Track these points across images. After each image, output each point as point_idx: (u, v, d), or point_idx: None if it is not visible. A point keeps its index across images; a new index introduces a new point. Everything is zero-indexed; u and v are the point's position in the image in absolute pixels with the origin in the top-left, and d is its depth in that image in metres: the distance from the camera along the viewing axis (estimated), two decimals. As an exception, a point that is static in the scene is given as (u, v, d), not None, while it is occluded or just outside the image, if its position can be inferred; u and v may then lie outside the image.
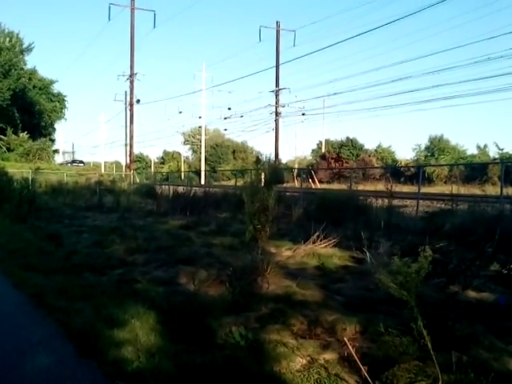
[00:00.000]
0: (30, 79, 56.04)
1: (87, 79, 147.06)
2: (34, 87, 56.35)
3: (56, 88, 59.95)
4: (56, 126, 63.02)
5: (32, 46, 56.84)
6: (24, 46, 55.88)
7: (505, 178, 16.31)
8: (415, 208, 14.91)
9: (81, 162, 73.96)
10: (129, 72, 40.93)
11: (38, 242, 9.77)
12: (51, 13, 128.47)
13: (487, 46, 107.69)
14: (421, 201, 16.01)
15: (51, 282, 6.26)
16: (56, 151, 65.61)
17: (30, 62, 59.38)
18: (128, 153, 44.61)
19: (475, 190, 19.66)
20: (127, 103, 44.31)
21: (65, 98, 60.88)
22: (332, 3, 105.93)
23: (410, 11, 56.29)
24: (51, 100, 58.62)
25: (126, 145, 48.24)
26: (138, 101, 41.89)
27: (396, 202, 15.24)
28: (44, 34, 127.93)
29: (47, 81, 58.82)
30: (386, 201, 12.91)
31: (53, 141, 61.99)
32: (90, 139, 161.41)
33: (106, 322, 4.59)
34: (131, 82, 40.89)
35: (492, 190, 20.23)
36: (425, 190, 22.66)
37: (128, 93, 43.42)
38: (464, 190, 18.16)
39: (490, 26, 79.57)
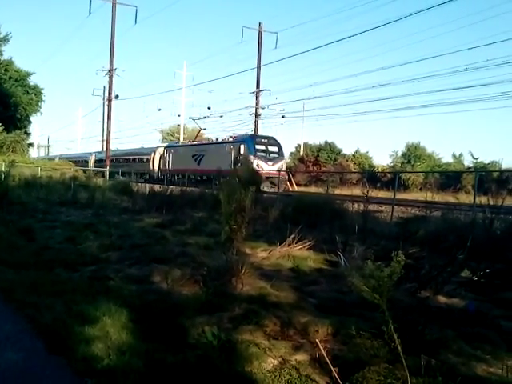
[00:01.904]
0: (6, 70, 54.88)
1: (65, 73, 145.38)
2: (10, 78, 55.18)
3: (33, 80, 58.88)
4: (32, 118, 61.56)
5: (9, 36, 55.62)
6: (1, 36, 54.79)
7: (478, 187, 16.63)
8: (390, 213, 15.06)
9: (271, 141, 34.72)
10: (108, 67, 40.55)
11: (10, 236, 9.58)
12: (30, 4, 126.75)
13: (466, 57, 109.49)
14: (396, 207, 16.19)
15: (22, 277, 6.15)
16: (31, 144, 63.18)
17: (7, 52, 57.48)
18: (105, 149, 44.19)
19: (449, 198, 19.89)
20: (105, 98, 44.01)
21: (42, 91, 59.87)
22: (314, 8, 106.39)
23: (391, 19, 56.95)
24: (27, 92, 57.47)
25: (102, 140, 47.91)
26: (117, 96, 41.56)
27: (371, 207, 15.37)
28: (22, 26, 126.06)
29: (24, 72, 57.66)
30: (362, 205, 13.04)
31: (28, 134, 60.32)
32: (66, 134, 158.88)
33: (77, 319, 4.53)
34: (110, 78, 40.52)
35: (465, 198, 20.52)
36: (400, 196, 22.91)
37: (106, 88, 43.10)
38: (438, 197, 18.38)
39: (468, 37, 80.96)
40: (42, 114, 63.47)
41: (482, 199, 13.40)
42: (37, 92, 59.34)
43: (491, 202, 10.70)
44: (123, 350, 3.89)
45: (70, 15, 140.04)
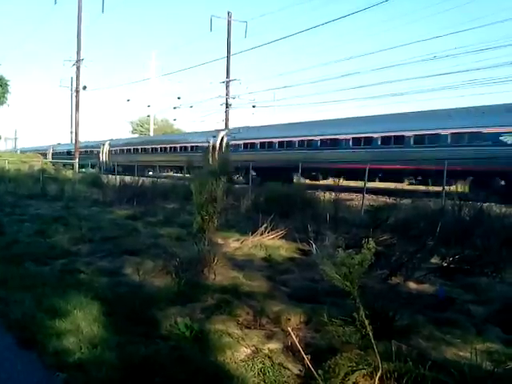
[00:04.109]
0: (-31, 61, 53.51)
1: (32, 64, 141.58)
2: (-25, 69, 53.82)
3: (-2, 72, 57.38)
4: (-2, 111, 60.15)
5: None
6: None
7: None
8: (361, 202, 15.19)
9: None
10: (75, 57, 39.76)
11: (-23, 230, 9.38)
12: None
13: (434, 45, 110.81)
14: (367, 195, 16.34)
15: (-10, 272, 6.03)
16: (-3, 137, 61.82)
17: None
18: (73, 140, 43.49)
19: (419, 186, 20.21)
20: (73, 90, 43.18)
21: (7, 83, 58.39)
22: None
23: (360, 7, 57.10)
24: (-7, 84, 56.04)
25: (71, 132, 47.05)
26: (85, 87, 40.82)
27: (343, 195, 15.53)
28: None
29: (-11, 64, 56.24)
30: (334, 194, 13.16)
31: (-6, 126, 59.03)
32: (34, 126, 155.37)
33: (48, 313, 4.47)
34: (78, 68, 39.73)
35: (435, 186, 20.86)
36: (371, 184, 23.14)
37: (74, 79, 42.30)
38: (408, 185, 18.65)
39: (437, 25, 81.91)
40: (8, 106, 62.03)
41: (452, 187, 13.65)
42: (2, 83, 57.82)
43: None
44: (95, 343, 3.86)
45: (35, 5, 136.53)
